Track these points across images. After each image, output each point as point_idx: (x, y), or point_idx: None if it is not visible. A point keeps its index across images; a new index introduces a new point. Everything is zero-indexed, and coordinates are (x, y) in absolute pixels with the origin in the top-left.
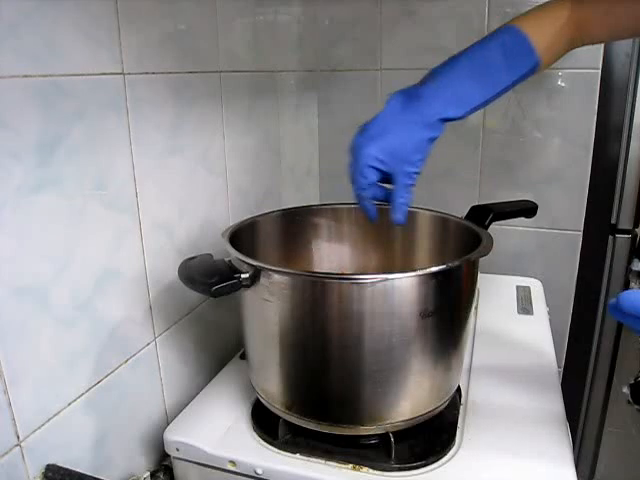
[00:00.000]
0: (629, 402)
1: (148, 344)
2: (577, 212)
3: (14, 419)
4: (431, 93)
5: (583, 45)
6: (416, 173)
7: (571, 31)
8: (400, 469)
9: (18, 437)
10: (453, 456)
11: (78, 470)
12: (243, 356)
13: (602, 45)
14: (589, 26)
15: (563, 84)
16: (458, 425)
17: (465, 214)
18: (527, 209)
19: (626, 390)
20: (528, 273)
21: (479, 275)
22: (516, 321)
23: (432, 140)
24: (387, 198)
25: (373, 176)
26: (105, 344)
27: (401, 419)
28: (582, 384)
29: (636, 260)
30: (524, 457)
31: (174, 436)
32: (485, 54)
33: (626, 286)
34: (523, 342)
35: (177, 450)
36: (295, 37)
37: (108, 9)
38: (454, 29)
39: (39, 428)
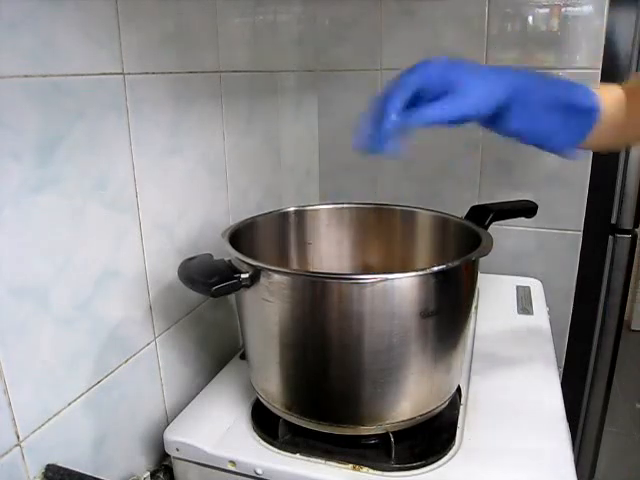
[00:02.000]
0: None
1: (148, 344)
2: (577, 212)
3: (14, 419)
4: None
5: None
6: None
7: None
8: (400, 469)
9: (18, 437)
10: (453, 456)
11: (78, 470)
12: (243, 356)
13: (602, 45)
14: None
15: None
16: (458, 425)
17: (465, 214)
18: (527, 209)
19: None
20: (528, 273)
21: (479, 275)
22: (516, 321)
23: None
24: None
25: (408, 95)
26: (105, 344)
27: (401, 419)
28: (582, 384)
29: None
30: (524, 457)
31: (174, 436)
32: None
33: (625, 287)
34: (523, 342)
35: (177, 450)
36: (295, 37)
37: (108, 9)
38: (454, 29)
39: (39, 428)
